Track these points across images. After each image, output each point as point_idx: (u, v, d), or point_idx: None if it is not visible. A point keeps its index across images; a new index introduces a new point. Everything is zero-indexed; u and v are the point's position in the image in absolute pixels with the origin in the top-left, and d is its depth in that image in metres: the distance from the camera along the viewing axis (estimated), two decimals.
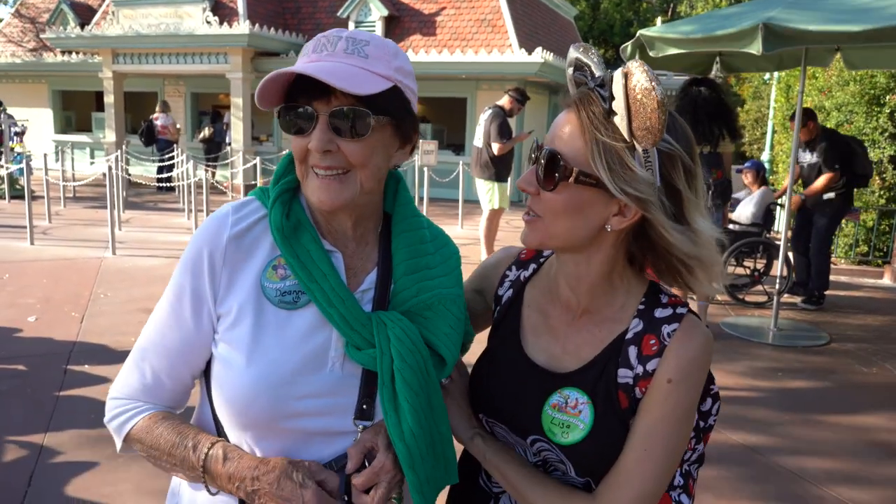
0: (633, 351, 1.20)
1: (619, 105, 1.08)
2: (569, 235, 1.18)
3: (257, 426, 1.19)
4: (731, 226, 7.11)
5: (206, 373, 1.27)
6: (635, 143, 1.08)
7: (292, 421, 1.18)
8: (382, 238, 1.31)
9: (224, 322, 1.21)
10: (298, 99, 1.17)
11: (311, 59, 1.16)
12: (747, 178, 7.58)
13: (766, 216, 7.41)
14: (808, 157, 7.08)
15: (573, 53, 1.17)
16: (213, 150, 16.63)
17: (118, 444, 1.29)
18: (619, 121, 1.08)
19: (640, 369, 1.19)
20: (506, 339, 1.35)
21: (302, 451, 1.20)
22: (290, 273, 1.21)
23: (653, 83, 1.04)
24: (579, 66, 1.16)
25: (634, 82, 1.06)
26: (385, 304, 1.25)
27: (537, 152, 1.18)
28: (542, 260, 1.40)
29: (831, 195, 6.96)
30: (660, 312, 1.22)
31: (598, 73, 1.12)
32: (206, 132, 16.65)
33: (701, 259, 1.17)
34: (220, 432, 1.25)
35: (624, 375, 1.20)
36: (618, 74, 1.08)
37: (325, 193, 1.17)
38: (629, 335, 1.21)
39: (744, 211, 7.41)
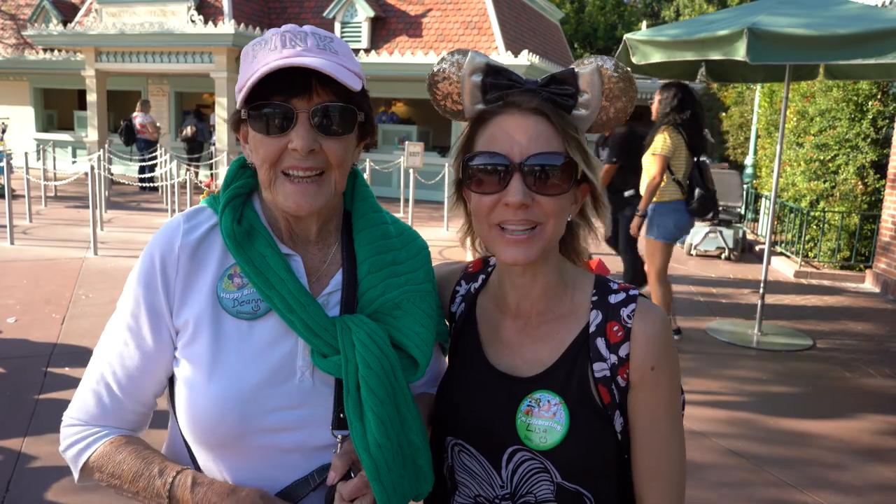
0: (601, 343, 1.20)
1: (591, 97, 1.15)
2: (559, 235, 1.21)
3: (227, 445, 1.13)
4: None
5: (172, 392, 1.21)
6: (584, 132, 1.19)
7: (265, 437, 1.12)
8: (344, 237, 1.25)
9: (182, 337, 1.16)
10: (272, 97, 1.10)
11: (286, 55, 1.09)
12: None
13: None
14: (603, 155, 6.97)
15: (481, 59, 1.17)
16: (196, 149, 16.50)
17: (76, 475, 1.21)
18: (587, 112, 1.16)
19: (613, 359, 1.19)
20: (466, 355, 1.32)
21: (279, 470, 1.15)
22: (246, 281, 1.15)
23: (626, 68, 1.16)
24: (494, 71, 1.17)
25: (613, 72, 1.14)
26: (353, 305, 1.20)
27: (527, 163, 1.12)
28: (489, 269, 1.38)
29: (631, 192, 6.66)
30: (614, 298, 1.24)
31: (523, 77, 1.17)
32: (188, 131, 16.52)
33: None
34: (191, 454, 1.19)
35: (600, 369, 1.19)
36: (589, 70, 1.14)
37: (303, 198, 1.12)
38: (592, 328, 1.22)
39: None
